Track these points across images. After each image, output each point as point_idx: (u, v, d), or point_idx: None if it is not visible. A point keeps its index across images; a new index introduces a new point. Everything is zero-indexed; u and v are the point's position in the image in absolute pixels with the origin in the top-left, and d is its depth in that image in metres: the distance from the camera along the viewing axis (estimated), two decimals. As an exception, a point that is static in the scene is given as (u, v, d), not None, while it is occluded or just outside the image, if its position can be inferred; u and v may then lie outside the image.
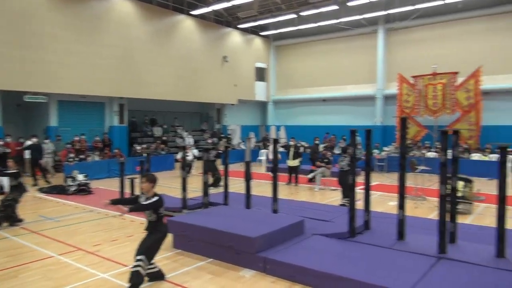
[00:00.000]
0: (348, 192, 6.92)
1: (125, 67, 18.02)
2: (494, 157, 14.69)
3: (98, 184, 13.53)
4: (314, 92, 25.05)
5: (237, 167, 17.92)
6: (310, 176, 13.46)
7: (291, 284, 5.20)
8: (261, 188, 11.92)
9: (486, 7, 19.03)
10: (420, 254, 5.64)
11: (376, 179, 14.54)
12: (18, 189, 8.27)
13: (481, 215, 9.01)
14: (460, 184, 8.99)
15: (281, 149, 17.79)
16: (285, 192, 12.13)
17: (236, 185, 11.84)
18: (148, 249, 4.91)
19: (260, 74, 26.27)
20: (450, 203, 5.98)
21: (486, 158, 15.86)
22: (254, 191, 11.21)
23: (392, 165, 16.42)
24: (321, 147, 17.21)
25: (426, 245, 5.92)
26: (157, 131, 21.33)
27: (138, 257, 4.81)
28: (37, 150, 14.04)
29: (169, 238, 6.68)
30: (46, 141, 15.35)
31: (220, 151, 12.95)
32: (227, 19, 23.64)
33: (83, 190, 11.97)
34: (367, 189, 6.82)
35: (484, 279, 4.75)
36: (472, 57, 18.70)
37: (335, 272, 4.98)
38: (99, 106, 18.81)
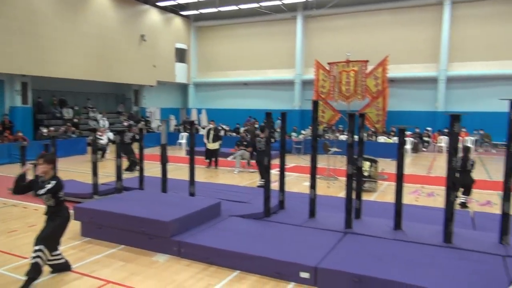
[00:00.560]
0: (264, 172, 7.06)
1: (27, 42, 16.30)
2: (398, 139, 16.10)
3: (-4, 171, 12.22)
4: (235, 76, 25.08)
5: (156, 151, 17.36)
6: (229, 158, 13.53)
7: (206, 266, 5.19)
8: (180, 172, 11.71)
9: (393, 1, 20.51)
10: (329, 230, 5.98)
11: (294, 161, 15.11)
12: None
13: (384, 192, 9.83)
14: (367, 165, 9.69)
15: (202, 132, 17.57)
16: (204, 175, 12.06)
17: (154, 169, 11.46)
18: (47, 237, 4.46)
19: (181, 56, 25.54)
20: (356, 182, 6.40)
21: (390, 141, 17.30)
22: (172, 175, 11.01)
23: (309, 147, 16.84)
24: (241, 130, 17.35)
25: (334, 222, 6.29)
26: (67, 112, 19.76)
27: (36, 248, 4.36)
28: None
29: (76, 226, 6.27)
30: None
31: (135, 134, 12.38)
32: (145, -5, 22.49)
33: (-22, 177, 10.71)
34: (282, 170, 7.02)
35: (383, 249, 5.18)
36: (380, 47, 20.11)
37: (248, 252, 5.07)
38: (-3, 84, 16.87)
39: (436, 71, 20.01)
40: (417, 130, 19.49)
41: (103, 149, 15.19)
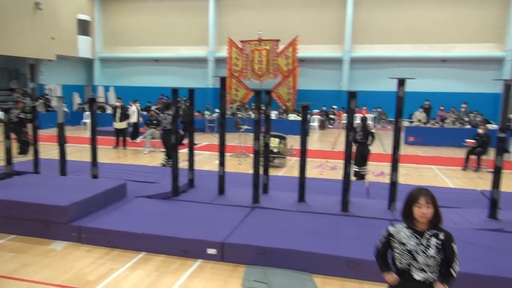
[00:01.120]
0: (171, 151, 6.89)
1: None
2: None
3: None
4: (146, 52, 23.91)
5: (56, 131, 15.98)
6: (138, 140, 13.00)
7: (109, 250, 4.95)
8: (85, 154, 10.89)
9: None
10: (237, 206, 6.09)
11: (206, 139, 15.02)
12: None
13: (292, 168, 10.26)
14: (276, 141, 10.00)
15: (109, 111, 16.57)
16: (112, 156, 11.45)
17: (54, 152, 10.54)
18: None
19: (84, 28, 23.48)
20: (264, 158, 6.57)
21: (299, 118, 18.04)
22: (75, 157, 10.29)
23: (222, 126, 17.15)
24: (153, 108, 16.71)
25: (243, 198, 6.41)
26: None
27: None
28: None
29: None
30: None
31: (21, 110, 11.11)
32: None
33: None
34: (191, 148, 6.91)
35: (287, 221, 5.42)
36: (291, 27, 20.59)
37: (153, 232, 4.95)
38: None
39: (341, 52, 21.15)
40: (324, 108, 20.60)
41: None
